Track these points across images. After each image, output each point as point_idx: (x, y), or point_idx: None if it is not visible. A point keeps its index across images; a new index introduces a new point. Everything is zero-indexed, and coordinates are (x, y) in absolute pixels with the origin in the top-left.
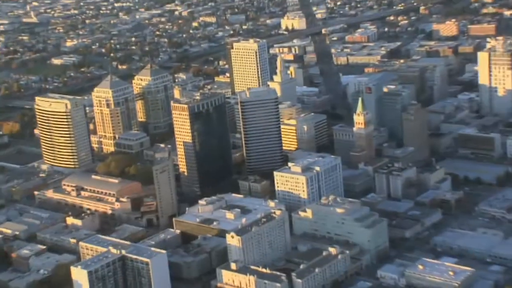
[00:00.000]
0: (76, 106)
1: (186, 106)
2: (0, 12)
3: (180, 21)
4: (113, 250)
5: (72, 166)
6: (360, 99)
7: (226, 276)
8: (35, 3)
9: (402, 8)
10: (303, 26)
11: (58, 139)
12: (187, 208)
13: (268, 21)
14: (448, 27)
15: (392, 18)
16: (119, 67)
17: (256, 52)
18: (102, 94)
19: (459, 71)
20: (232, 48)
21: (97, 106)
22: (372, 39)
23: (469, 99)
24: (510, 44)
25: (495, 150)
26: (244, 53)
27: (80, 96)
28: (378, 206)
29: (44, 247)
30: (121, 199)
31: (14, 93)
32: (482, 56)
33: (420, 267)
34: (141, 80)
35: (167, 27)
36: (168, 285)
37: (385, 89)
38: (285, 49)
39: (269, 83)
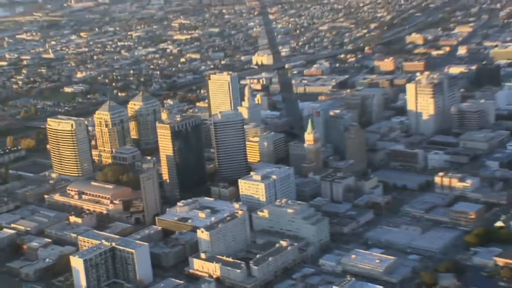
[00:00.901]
0: (80, 126)
1: (168, 126)
2: (24, 49)
3: (170, 57)
4: (105, 243)
5: (76, 174)
6: (309, 120)
7: (196, 264)
8: (53, 42)
9: (350, 48)
10: (270, 62)
11: (65, 153)
12: (167, 209)
13: (242, 58)
14: (387, 64)
15: (342, 56)
16: (119, 94)
17: (228, 83)
18: (102, 116)
19: (394, 99)
20: (210, 79)
21: (98, 126)
22: (326, 73)
23: (400, 122)
24: (432, 78)
25: (418, 162)
26: (219, 83)
27: (86, 118)
28: (323, 207)
29: (50, 240)
30: (115, 201)
31: (32, 115)
32: (410, 87)
33: (353, 256)
34: (134, 105)
35: (159, 62)
36: (150, 271)
37: (331, 113)
38: (255, 80)
39: (238, 107)
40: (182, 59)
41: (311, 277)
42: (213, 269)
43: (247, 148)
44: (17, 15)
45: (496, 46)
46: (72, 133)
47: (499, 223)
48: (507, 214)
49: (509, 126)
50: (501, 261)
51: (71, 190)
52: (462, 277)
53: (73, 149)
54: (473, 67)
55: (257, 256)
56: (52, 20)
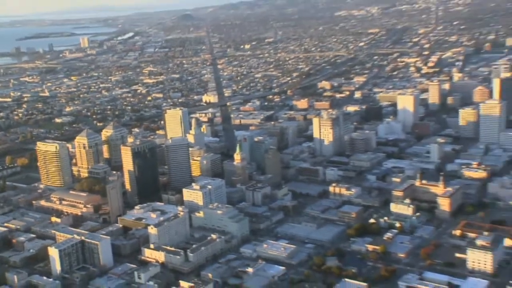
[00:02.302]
0: (62, 148)
1: (129, 148)
2: (25, 89)
3: (140, 96)
4: (77, 237)
5: (59, 185)
6: (238, 145)
7: (147, 252)
8: (49, 84)
9: (277, 91)
10: (216, 100)
11: (51, 168)
12: (128, 211)
13: (195, 97)
14: (302, 103)
15: (270, 96)
16: (98, 124)
17: (180, 116)
18: (81, 140)
19: (305, 129)
20: (166, 113)
21: (78, 148)
22: (257, 109)
23: (308, 146)
24: (331, 114)
25: (319, 176)
26: (174, 116)
27: (71, 142)
28: (246, 209)
29: (35, 236)
30: (87, 205)
31: (28, 140)
32: (315, 120)
33: (265, 245)
34: (107, 132)
35: (131, 99)
36: (111, 258)
37: (256, 139)
38: (203, 114)
39: (187, 135)
40: (149, 98)
41: (233, 261)
42: (159, 256)
43: (191, 165)
44: (22, 63)
45: (381, 91)
46: (56, 153)
47: (372, 220)
48: (378, 214)
49: (386, 150)
50: (370, 247)
51: (54, 197)
52: (343, 259)
53: (56, 166)
54: (364, 107)
55: (193, 246)
56: (50, 67)
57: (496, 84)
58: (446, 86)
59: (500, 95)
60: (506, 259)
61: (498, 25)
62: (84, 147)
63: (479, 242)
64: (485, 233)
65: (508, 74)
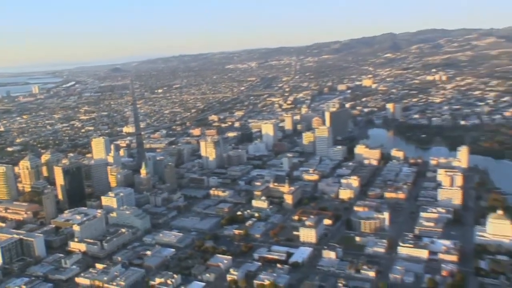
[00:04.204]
0: (9, 170)
1: (61, 167)
2: None
3: (76, 129)
4: (16, 236)
5: (7, 198)
6: (144, 163)
7: (73, 245)
8: (4, 121)
9: (179, 122)
10: (133, 130)
11: (1, 185)
12: (59, 215)
13: (118, 128)
14: (197, 131)
15: (174, 127)
16: (42, 151)
17: (103, 143)
18: (24, 163)
19: (197, 150)
20: (92, 141)
21: (22, 169)
22: (163, 136)
23: (198, 162)
24: (213, 138)
25: (204, 183)
26: (98, 143)
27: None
28: (149, 210)
29: None
30: (27, 212)
31: None
32: (202, 143)
33: (161, 235)
34: (46, 156)
35: (69, 132)
36: (44, 251)
37: (158, 158)
38: (123, 141)
39: (107, 156)
40: (83, 130)
41: (138, 247)
42: (81, 247)
43: (109, 178)
44: None
45: (253, 122)
46: (4, 174)
47: (239, 213)
48: (243, 208)
49: (253, 163)
50: (236, 232)
51: (1, 207)
52: (217, 241)
53: (4, 183)
54: (240, 133)
55: (107, 238)
56: (6, 108)
57: (327, 115)
58: (297, 117)
59: (330, 123)
60: (325, 232)
61: (333, 76)
62: (27, 168)
63: (307, 222)
64: (312, 216)
65: (334, 109)
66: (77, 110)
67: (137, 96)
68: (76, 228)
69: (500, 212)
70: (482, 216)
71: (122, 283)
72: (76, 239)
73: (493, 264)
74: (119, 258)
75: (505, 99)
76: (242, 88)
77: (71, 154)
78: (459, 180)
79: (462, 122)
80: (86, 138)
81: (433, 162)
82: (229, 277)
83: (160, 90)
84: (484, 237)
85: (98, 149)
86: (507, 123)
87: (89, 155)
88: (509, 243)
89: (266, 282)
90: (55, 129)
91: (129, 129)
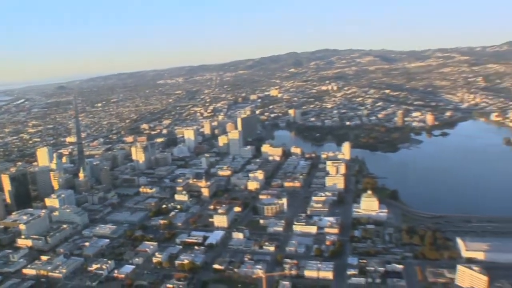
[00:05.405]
0: None
1: (7, 174)
2: None
3: (24, 141)
4: None
5: None
6: (81, 168)
7: (20, 241)
8: None
9: (115, 132)
10: (75, 140)
11: None
12: (7, 216)
13: (62, 139)
14: (130, 138)
15: (111, 136)
16: None
17: (46, 152)
18: None
19: (130, 155)
20: (38, 150)
21: None
22: (101, 144)
23: (130, 165)
24: (142, 143)
25: (135, 182)
26: (43, 152)
27: None
28: (87, 207)
29: None
30: None
31: None
32: (133, 148)
33: (97, 228)
34: None
35: (18, 144)
36: None
37: (95, 163)
38: (65, 149)
39: (51, 164)
40: (31, 142)
41: (78, 240)
42: (28, 242)
43: (53, 183)
44: None
45: (178, 128)
46: None
47: (164, 206)
48: (168, 202)
49: (177, 163)
50: (162, 222)
51: None
52: (145, 231)
53: None
54: (167, 138)
55: (51, 233)
56: None
57: (238, 121)
58: (215, 123)
59: (241, 127)
60: (235, 218)
61: (247, 88)
62: None
63: (220, 210)
64: (224, 205)
65: (245, 115)
66: (26, 124)
67: (79, 110)
68: (22, 226)
69: (369, 192)
70: (358, 196)
71: (64, 270)
72: (23, 236)
73: (364, 232)
74: (62, 250)
75: (379, 104)
76: (170, 100)
77: (20, 163)
78: (342, 169)
79: (347, 123)
80: (33, 149)
81: (323, 155)
82: (154, 260)
83: (99, 104)
84: (358, 212)
85: (43, 157)
86: (380, 122)
87: (35, 163)
88: (376, 215)
89: (185, 262)
90: (5, 141)
91: (71, 139)
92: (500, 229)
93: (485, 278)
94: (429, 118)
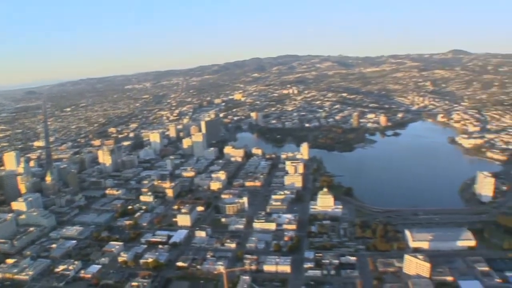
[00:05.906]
0: None
1: None
2: None
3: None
4: None
5: None
6: (49, 171)
7: None
8: None
9: (83, 136)
10: (43, 144)
11: None
12: None
13: (30, 143)
14: (97, 142)
15: (79, 139)
16: None
17: (14, 156)
18: None
19: (97, 158)
20: (5, 155)
21: None
22: (69, 148)
23: (97, 168)
24: (109, 146)
25: (102, 185)
26: (10, 157)
27: None
28: (55, 210)
29: None
30: None
31: None
32: (100, 152)
33: (64, 230)
34: None
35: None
36: None
37: (62, 166)
38: (33, 154)
39: (18, 168)
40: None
41: (45, 242)
42: None
43: (20, 187)
44: None
45: (144, 132)
46: None
47: (130, 207)
48: (133, 203)
49: (143, 166)
50: (127, 222)
51: None
52: (111, 232)
53: None
54: (133, 141)
55: (17, 236)
56: None
57: (202, 124)
58: (180, 126)
59: (205, 129)
60: (198, 217)
61: (212, 92)
62: None
63: (183, 210)
64: (187, 205)
65: (209, 118)
66: None
67: (48, 114)
68: None
69: (325, 189)
70: (315, 194)
71: (31, 272)
72: None
73: (320, 228)
74: (28, 253)
75: (336, 106)
76: (137, 104)
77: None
78: (301, 168)
79: (307, 125)
80: (1, 153)
81: (283, 156)
82: (120, 259)
83: (68, 109)
84: (315, 208)
85: (10, 162)
86: (337, 124)
87: (2, 168)
88: (331, 211)
89: (150, 260)
90: None
91: (40, 143)
92: (443, 220)
93: (428, 265)
94: (383, 119)
